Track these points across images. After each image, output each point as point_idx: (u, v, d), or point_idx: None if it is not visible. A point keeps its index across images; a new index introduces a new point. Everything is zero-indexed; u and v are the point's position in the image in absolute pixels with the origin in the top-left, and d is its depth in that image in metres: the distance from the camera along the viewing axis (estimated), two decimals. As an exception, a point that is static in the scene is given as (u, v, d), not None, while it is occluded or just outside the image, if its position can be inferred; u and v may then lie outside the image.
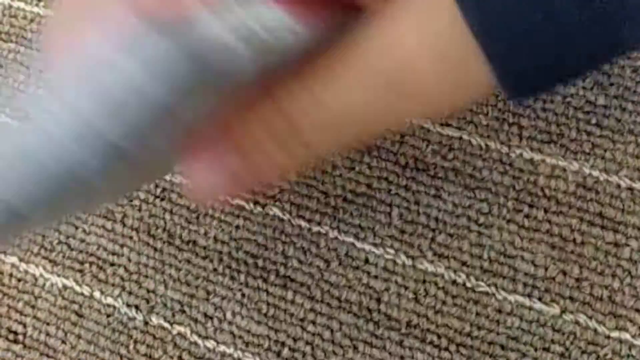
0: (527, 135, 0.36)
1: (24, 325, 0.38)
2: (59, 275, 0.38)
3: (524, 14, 0.22)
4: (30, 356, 0.37)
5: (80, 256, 0.38)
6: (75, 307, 0.38)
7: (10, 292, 0.38)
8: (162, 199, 0.38)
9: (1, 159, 0.25)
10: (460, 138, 0.37)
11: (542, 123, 0.36)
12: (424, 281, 0.36)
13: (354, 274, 0.36)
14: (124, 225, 0.38)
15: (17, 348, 0.37)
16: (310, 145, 0.26)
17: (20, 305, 0.38)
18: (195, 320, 0.37)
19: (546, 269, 0.35)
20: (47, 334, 0.37)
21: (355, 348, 0.35)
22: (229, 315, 0.36)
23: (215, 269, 0.37)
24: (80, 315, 0.37)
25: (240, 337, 0.36)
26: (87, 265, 0.38)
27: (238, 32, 0.23)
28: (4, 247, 0.34)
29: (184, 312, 0.37)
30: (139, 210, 0.39)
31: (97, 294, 0.38)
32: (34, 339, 0.37)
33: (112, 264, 0.38)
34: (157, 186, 0.39)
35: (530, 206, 0.36)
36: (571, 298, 0.34)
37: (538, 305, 0.34)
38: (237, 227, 0.38)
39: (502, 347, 0.34)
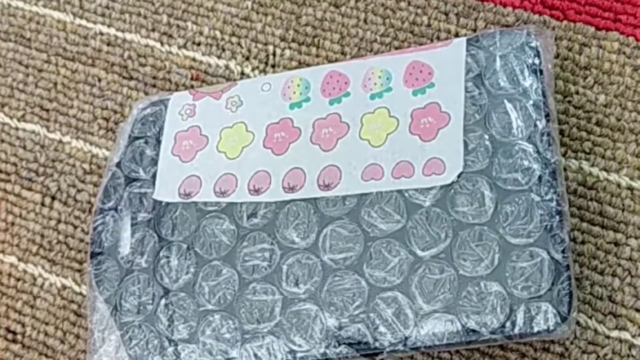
0: (527, 134, 0.36)
1: (23, 325, 0.38)
2: (57, 275, 0.38)
3: None
4: (29, 356, 0.37)
5: (79, 256, 0.38)
6: (74, 306, 0.38)
7: (9, 292, 0.38)
8: (161, 198, 0.38)
9: None
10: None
11: (542, 122, 0.36)
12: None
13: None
14: (123, 224, 0.38)
15: (16, 347, 0.37)
16: None
17: (19, 304, 0.38)
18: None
19: (546, 269, 0.35)
20: (46, 334, 0.37)
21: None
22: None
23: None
24: (79, 315, 0.37)
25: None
26: (86, 264, 0.38)
27: None
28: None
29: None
30: (138, 209, 0.38)
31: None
32: (33, 338, 0.37)
33: (111, 264, 0.38)
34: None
35: (530, 205, 0.35)
36: (571, 297, 0.34)
37: (538, 304, 0.34)
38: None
39: (502, 348, 0.34)
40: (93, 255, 0.35)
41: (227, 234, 0.34)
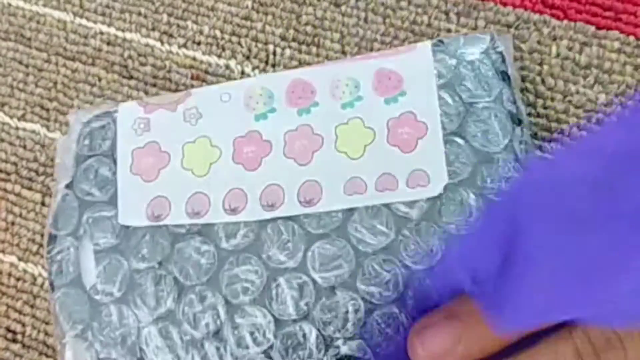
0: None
1: (23, 325, 0.38)
2: (57, 275, 0.38)
3: None
4: (29, 355, 0.37)
5: (79, 255, 0.38)
6: (74, 306, 0.37)
7: (9, 292, 0.38)
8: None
9: None
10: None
11: (543, 120, 0.36)
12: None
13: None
14: (123, 224, 0.38)
15: (16, 347, 0.37)
16: None
17: (19, 304, 0.38)
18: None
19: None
20: (46, 333, 0.37)
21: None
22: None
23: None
24: (79, 315, 0.37)
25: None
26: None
27: None
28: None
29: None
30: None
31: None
32: (33, 338, 0.37)
33: (111, 263, 0.38)
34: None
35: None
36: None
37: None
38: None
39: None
40: (55, 288, 0.33)
41: (206, 256, 0.32)
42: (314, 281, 0.31)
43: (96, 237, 0.33)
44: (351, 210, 0.32)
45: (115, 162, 0.34)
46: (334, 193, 0.32)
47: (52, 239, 0.34)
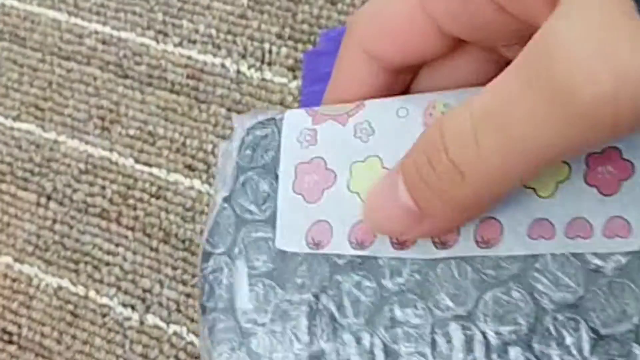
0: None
1: (19, 326, 0.37)
2: (53, 275, 0.38)
3: None
4: (26, 357, 0.37)
5: (75, 256, 0.38)
6: (71, 307, 0.37)
7: (5, 293, 0.38)
8: (158, 198, 0.38)
9: None
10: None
11: None
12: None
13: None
14: (119, 224, 0.38)
15: (12, 349, 0.37)
16: (465, 175, 0.23)
17: (14, 305, 0.38)
18: (192, 320, 0.36)
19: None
20: (42, 335, 0.37)
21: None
22: (225, 315, 0.36)
23: (211, 268, 0.37)
24: (76, 316, 0.37)
25: (236, 336, 0.36)
26: (82, 265, 0.38)
27: None
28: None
29: (179, 311, 0.37)
30: (134, 209, 0.38)
31: (92, 294, 0.37)
32: (29, 339, 0.37)
33: (107, 264, 0.38)
34: (152, 184, 0.38)
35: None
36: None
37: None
38: (233, 225, 0.37)
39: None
40: (206, 311, 0.30)
41: (366, 293, 0.28)
42: (485, 334, 0.27)
43: (251, 259, 0.30)
44: (534, 257, 0.27)
45: (276, 177, 0.31)
46: (516, 235, 0.28)
47: (207, 256, 0.30)
